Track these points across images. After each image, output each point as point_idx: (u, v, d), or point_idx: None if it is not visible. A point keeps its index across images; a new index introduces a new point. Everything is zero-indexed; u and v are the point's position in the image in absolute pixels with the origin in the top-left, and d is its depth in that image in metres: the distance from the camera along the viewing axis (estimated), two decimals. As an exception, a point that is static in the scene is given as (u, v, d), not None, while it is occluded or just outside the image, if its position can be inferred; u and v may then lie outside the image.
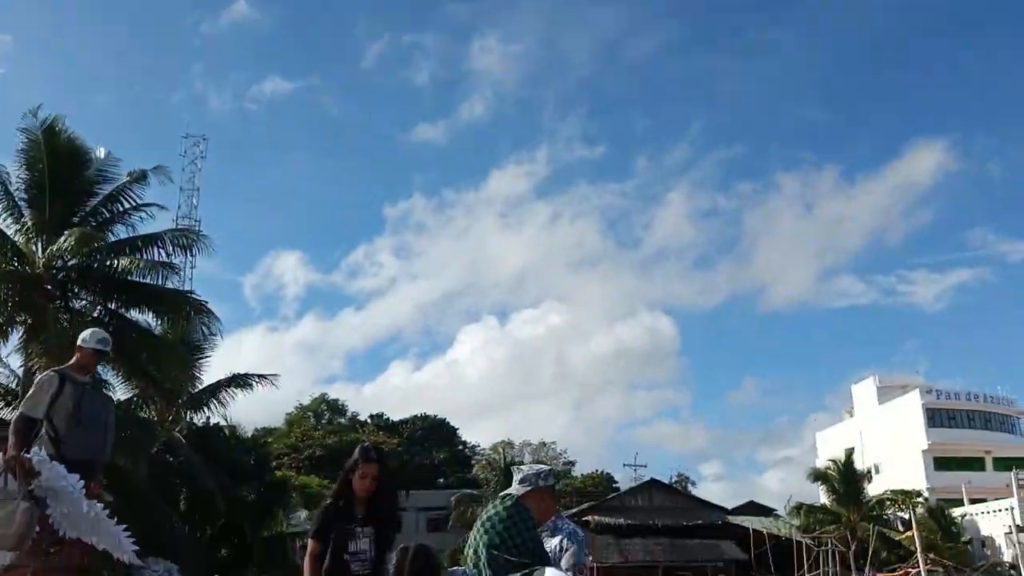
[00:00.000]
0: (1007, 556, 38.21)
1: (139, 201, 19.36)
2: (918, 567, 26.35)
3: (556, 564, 3.94)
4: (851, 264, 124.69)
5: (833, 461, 44.25)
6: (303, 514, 34.02)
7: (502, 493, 3.11)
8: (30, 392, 6.59)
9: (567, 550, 4.25)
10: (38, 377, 6.76)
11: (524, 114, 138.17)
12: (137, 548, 6.12)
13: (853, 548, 36.36)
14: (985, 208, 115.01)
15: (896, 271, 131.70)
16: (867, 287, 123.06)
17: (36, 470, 5.83)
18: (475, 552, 2.83)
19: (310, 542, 5.01)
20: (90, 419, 6.47)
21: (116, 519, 6.04)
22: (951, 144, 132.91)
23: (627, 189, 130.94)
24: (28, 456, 5.89)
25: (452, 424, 69.44)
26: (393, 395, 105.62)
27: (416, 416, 67.90)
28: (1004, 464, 49.55)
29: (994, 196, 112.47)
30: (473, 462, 61.57)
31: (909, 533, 33.80)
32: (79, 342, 6.81)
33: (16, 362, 18.44)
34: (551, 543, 4.29)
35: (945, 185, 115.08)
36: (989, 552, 39.92)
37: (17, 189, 18.20)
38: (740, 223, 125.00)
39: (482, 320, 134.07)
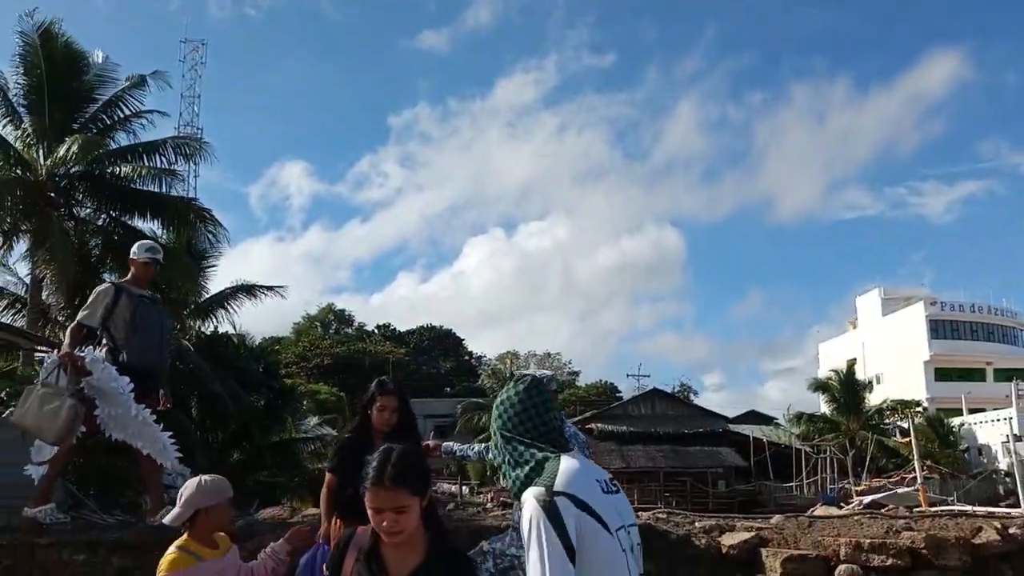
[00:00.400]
0: (1003, 464, 38.87)
1: (139, 108, 19.12)
2: (914, 473, 26.79)
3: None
4: (860, 176, 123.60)
5: (835, 371, 44.62)
6: (313, 420, 34.55)
7: (517, 374, 2.96)
8: (87, 302, 6.61)
9: None
10: (96, 288, 6.72)
11: (530, 21, 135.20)
12: (181, 455, 6.19)
13: (851, 456, 36.97)
14: (999, 118, 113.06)
15: (906, 182, 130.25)
16: (875, 199, 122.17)
17: (87, 369, 5.91)
18: (492, 434, 2.74)
19: (328, 476, 4.93)
20: (147, 329, 6.46)
21: (162, 425, 6.08)
22: (967, 53, 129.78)
23: (636, 99, 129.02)
24: (80, 355, 5.98)
25: (458, 335, 70.03)
26: (400, 306, 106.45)
27: (423, 327, 68.40)
28: (1005, 375, 50.01)
29: (1009, 106, 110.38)
30: (479, 372, 62.20)
31: (907, 440, 34.30)
32: (131, 255, 6.78)
33: (23, 270, 18.52)
34: None
35: (959, 95, 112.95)
36: (985, 460, 40.59)
37: (16, 95, 17.95)
38: (750, 134, 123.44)
39: (488, 232, 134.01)
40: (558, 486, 2.35)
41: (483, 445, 5.40)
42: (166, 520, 3.67)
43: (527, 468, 2.48)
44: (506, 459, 2.59)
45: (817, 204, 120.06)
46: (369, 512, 2.46)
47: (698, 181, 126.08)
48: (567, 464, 2.42)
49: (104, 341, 6.32)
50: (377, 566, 2.52)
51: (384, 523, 2.42)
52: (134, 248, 6.82)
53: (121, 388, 5.89)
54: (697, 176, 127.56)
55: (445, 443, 5.49)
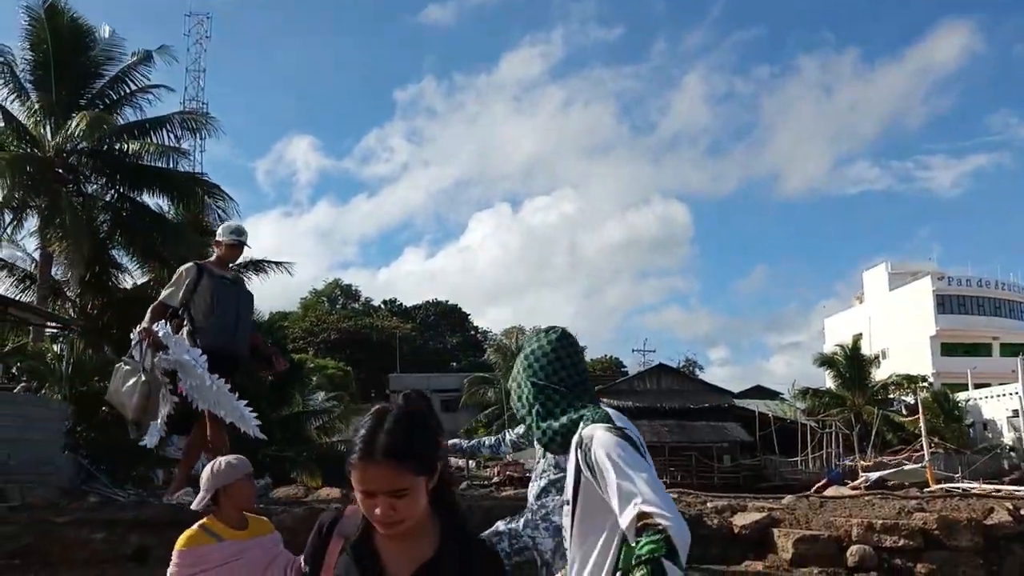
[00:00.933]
0: (1008, 439, 38.93)
1: (146, 83, 19.05)
2: (921, 449, 26.85)
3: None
4: (868, 150, 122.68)
5: (840, 346, 44.59)
6: (320, 395, 34.75)
7: (547, 325, 2.81)
8: (170, 281, 6.64)
9: None
10: (179, 268, 6.73)
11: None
12: (260, 423, 6.23)
13: (856, 431, 37.03)
14: (1009, 92, 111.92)
15: (914, 156, 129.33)
16: (883, 173, 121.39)
17: (163, 343, 5.98)
18: (518, 386, 2.62)
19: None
20: (224, 312, 6.45)
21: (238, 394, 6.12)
22: (977, 25, 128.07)
23: (643, 72, 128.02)
24: (156, 330, 6.04)
25: (464, 310, 70.11)
26: (406, 281, 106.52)
27: (429, 302, 68.46)
28: (1011, 350, 49.89)
29: (1019, 79, 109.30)
30: (485, 347, 62.33)
31: (914, 417, 34.35)
32: (216, 236, 6.78)
33: (32, 245, 18.55)
34: None
35: (969, 68, 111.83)
36: (990, 435, 40.63)
37: (23, 71, 17.90)
38: (757, 108, 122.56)
39: (494, 207, 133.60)
40: (619, 426, 2.25)
41: (495, 437, 5.35)
42: (193, 506, 3.69)
43: (564, 418, 2.38)
44: (536, 409, 2.47)
45: (824, 178, 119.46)
46: (357, 496, 1.83)
47: (705, 155, 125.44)
48: (615, 413, 2.37)
49: (185, 322, 6.36)
50: (370, 562, 1.89)
51: (377, 511, 1.79)
52: (220, 229, 6.81)
53: (194, 360, 5.94)
54: (704, 150, 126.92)
55: (451, 440, 5.31)
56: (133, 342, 6.21)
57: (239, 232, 6.75)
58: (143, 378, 5.80)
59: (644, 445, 2.33)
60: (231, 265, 6.98)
